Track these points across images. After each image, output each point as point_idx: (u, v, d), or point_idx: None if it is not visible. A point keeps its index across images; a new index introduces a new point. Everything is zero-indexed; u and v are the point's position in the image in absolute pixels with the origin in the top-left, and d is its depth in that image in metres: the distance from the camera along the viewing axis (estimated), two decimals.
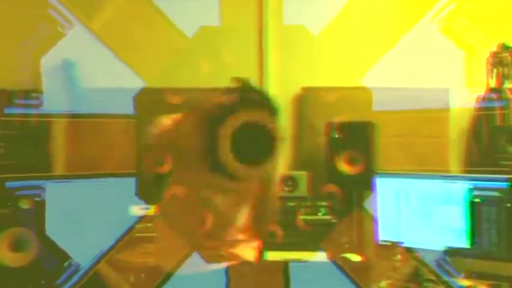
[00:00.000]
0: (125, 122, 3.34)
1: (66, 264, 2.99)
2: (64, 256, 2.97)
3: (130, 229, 3.14)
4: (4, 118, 3.17)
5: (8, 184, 2.90)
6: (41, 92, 3.26)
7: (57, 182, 3.05)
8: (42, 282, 2.94)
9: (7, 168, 3.05)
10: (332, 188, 3.22)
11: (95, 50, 3.44)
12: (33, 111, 3.22)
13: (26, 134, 3.18)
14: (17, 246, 2.86)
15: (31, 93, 3.24)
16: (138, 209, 3.15)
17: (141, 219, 3.16)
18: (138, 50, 3.51)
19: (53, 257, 2.95)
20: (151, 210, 3.17)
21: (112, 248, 3.07)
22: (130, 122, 3.32)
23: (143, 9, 3.54)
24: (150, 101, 3.34)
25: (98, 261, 3.04)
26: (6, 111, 3.17)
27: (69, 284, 2.99)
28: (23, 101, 3.20)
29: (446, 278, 2.84)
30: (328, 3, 3.60)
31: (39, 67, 3.35)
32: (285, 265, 2.98)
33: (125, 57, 3.47)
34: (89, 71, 3.41)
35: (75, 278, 3.01)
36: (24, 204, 2.90)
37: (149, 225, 3.19)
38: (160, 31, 3.54)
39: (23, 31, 3.38)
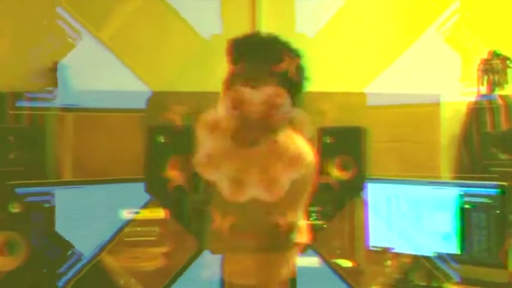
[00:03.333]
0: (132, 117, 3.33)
1: (69, 253, 2.99)
2: (66, 245, 2.98)
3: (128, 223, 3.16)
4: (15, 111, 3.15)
5: (19, 190, 2.89)
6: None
7: (65, 188, 3.05)
8: (44, 270, 2.93)
9: (15, 174, 3.03)
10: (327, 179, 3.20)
11: (104, 59, 3.45)
12: (44, 104, 3.21)
13: (31, 136, 3.17)
14: (6, 250, 2.85)
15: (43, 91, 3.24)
16: (127, 213, 3.16)
17: (130, 223, 3.16)
18: (147, 59, 3.52)
19: (56, 246, 2.95)
20: (141, 214, 3.18)
21: (113, 238, 3.09)
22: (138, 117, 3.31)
23: (151, 19, 3.55)
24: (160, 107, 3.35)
25: (100, 251, 3.05)
26: (18, 104, 3.15)
27: (71, 272, 2.99)
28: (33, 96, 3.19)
29: (436, 283, 2.85)
30: (326, 11, 3.62)
31: (50, 78, 3.35)
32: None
33: (134, 67, 3.48)
34: (98, 80, 3.41)
35: (77, 267, 3.02)
36: (15, 208, 2.89)
37: (138, 229, 3.21)
38: (168, 41, 3.55)
39: (32, 42, 3.37)
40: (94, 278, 3.04)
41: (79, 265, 3.01)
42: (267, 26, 3.60)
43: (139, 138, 3.13)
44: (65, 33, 3.39)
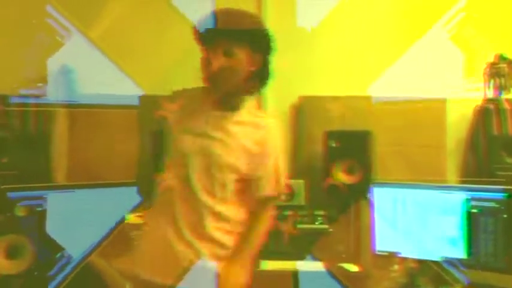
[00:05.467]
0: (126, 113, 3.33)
1: (58, 255, 2.99)
2: (56, 247, 2.97)
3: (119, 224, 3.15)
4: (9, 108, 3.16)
5: (10, 194, 2.89)
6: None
7: (58, 192, 3.05)
8: (35, 273, 2.92)
9: (8, 178, 3.03)
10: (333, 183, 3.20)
11: (93, 58, 3.44)
12: (36, 100, 3.22)
13: (24, 139, 3.17)
14: (11, 253, 2.85)
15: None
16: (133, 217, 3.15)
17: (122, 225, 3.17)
18: (137, 58, 3.51)
19: (46, 248, 2.95)
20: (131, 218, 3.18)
21: (103, 240, 3.09)
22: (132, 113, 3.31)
23: (142, 17, 3.55)
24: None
25: (90, 253, 3.05)
26: (12, 100, 3.15)
27: (61, 275, 2.99)
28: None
29: None
30: (328, 8, 3.62)
31: (39, 76, 3.35)
32: (294, 275, 2.99)
33: (124, 66, 3.46)
34: (88, 79, 3.41)
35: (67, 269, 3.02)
36: (20, 212, 2.89)
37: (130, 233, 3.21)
38: (160, 39, 3.54)
39: (21, 40, 3.37)
40: (84, 281, 3.04)
41: (69, 267, 3.01)
42: (272, 22, 3.60)
43: (133, 140, 3.14)
44: (54, 31, 3.38)
